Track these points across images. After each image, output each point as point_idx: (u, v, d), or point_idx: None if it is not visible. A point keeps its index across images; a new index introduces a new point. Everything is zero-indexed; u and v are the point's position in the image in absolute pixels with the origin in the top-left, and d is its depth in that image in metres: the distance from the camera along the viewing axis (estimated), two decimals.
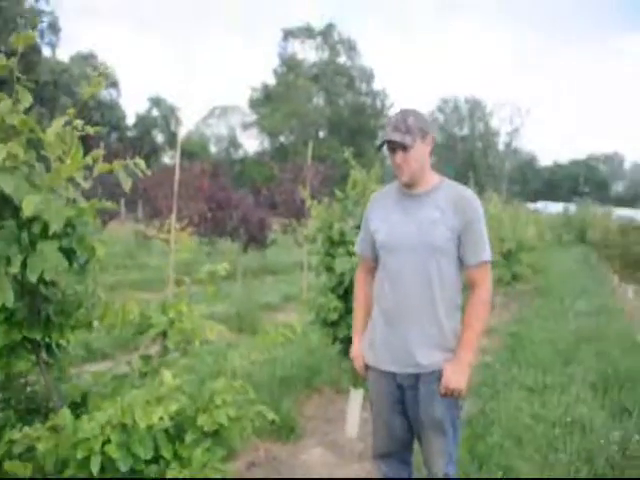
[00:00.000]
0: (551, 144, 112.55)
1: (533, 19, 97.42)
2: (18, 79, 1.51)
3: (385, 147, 2.33)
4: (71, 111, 1.57)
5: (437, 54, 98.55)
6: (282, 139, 51.15)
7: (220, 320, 7.27)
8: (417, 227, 2.31)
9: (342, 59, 54.08)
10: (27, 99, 1.54)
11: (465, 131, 61.34)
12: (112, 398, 1.45)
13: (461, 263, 2.38)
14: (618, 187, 72.87)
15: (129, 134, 42.39)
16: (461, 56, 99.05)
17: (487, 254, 2.37)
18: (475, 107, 61.20)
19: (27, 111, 1.54)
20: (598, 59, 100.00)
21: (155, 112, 48.51)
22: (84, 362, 4.99)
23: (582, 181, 64.95)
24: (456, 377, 2.28)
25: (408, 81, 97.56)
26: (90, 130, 1.62)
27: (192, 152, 36.09)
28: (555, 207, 40.12)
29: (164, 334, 1.71)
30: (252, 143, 64.37)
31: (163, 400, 1.37)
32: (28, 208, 1.35)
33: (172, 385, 1.39)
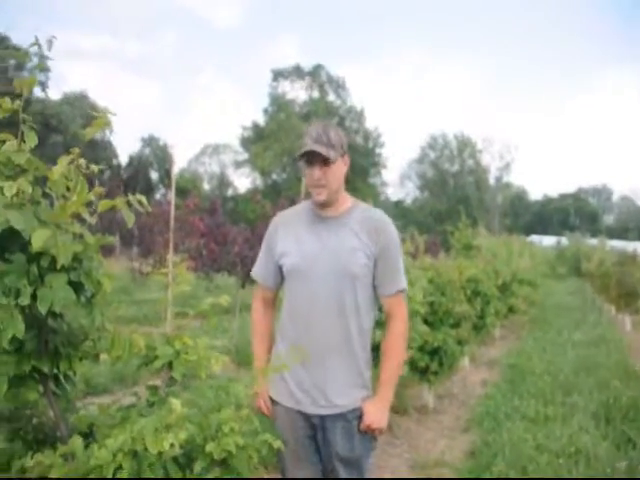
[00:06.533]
0: (541, 178, 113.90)
1: (518, 55, 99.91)
2: (24, 120, 1.56)
3: (301, 162, 2.17)
4: (76, 150, 1.61)
5: (423, 92, 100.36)
6: (274, 177, 51.62)
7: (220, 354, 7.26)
8: (333, 253, 2.15)
9: (331, 98, 55.07)
10: (32, 139, 1.57)
11: (456, 167, 62.04)
12: (121, 427, 1.46)
13: (375, 291, 2.24)
14: (608, 219, 73.64)
15: (122, 172, 42.74)
16: (447, 94, 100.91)
17: (403, 282, 2.25)
18: (464, 144, 62.08)
19: (32, 151, 1.59)
20: (584, 92, 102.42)
21: (147, 151, 49.07)
22: (85, 396, 4.99)
23: (573, 214, 65.63)
24: (378, 416, 2.18)
25: (396, 119, 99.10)
26: (94, 168, 1.66)
27: (185, 189, 36.37)
28: (548, 240, 40.42)
29: (170, 365, 1.73)
30: (244, 181, 64.93)
31: (172, 428, 1.38)
32: (37, 243, 1.38)
33: (181, 413, 1.40)
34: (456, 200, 53.31)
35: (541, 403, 5.33)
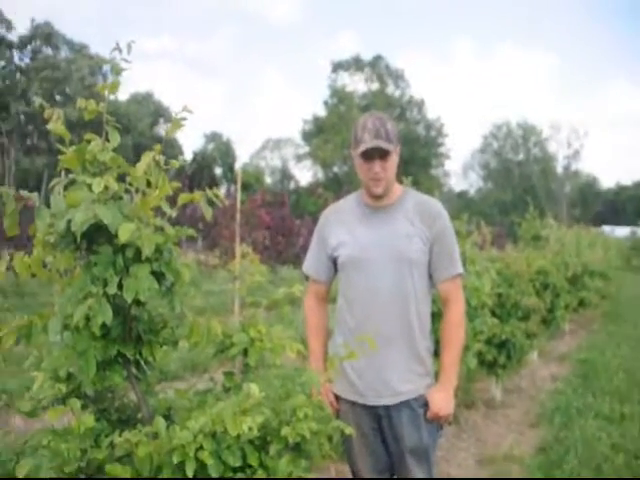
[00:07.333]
0: (613, 165, 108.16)
1: (584, 37, 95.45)
2: (107, 121, 1.64)
3: (354, 155, 2.17)
4: (158, 147, 1.69)
5: (483, 81, 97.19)
6: (335, 169, 51.71)
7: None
8: (389, 240, 2.16)
9: (390, 89, 54.56)
10: (116, 138, 1.65)
11: (520, 156, 60.07)
12: (199, 410, 1.53)
13: (430, 277, 2.24)
14: None
15: (187, 168, 44.07)
16: (508, 82, 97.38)
17: (460, 267, 2.24)
18: (529, 131, 59.99)
19: (115, 149, 1.67)
20: None
21: (210, 147, 50.29)
22: (158, 382, 5.23)
23: None
24: (445, 404, 2.17)
25: (458, 109, 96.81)
26: (175, 164, 1.74)
27: (248, 184, 36.96)
28: (621, 231, 38.57)
29: (245, 352, 1.80)
30: (305, 174, 65.44)
31: (250, 412, 1.44)
32: (124, 235, 1.45)
33: (259, 398, 1.46)
34: (522, 190, 51.72)
35: (616, 400, 5.13)
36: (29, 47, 41.47)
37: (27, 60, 41.37)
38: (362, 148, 2.10)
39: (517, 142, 60.46)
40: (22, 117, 39.70)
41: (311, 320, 2.38)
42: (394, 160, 2.17)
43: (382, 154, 2.11)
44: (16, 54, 41.16)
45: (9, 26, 40.78)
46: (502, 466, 3.87)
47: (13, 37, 41.01)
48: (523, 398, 5.63)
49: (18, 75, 40.56)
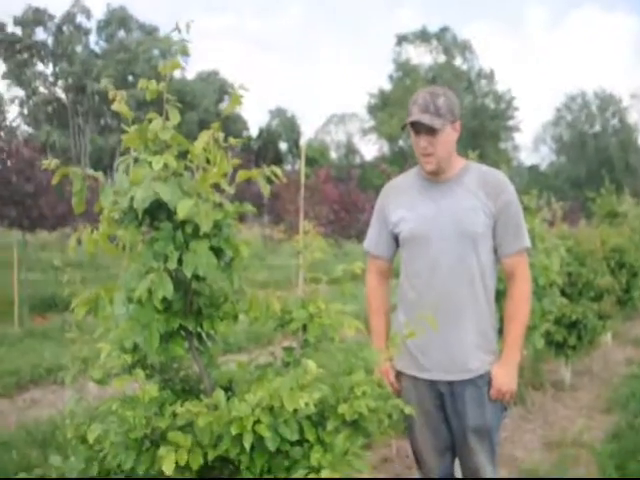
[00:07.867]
0: None
1: None
2: (168, 100, 1.66)
3: (409, 129, 2.13)
4: (216, 125, 1.69)
5: (556, 50, 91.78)
6: (401, 143, 50.91)
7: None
8: (452, 214, 2.11)
9: (458, 62, 52.86)
10: (176, 117, 1.66)
11: (597, 127, 56.90)
12: (258, 384, 1.56)
13: (495, 251, 2.18)
14: None
15: (253, 144, 44.69)
16: (584, 50, 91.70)
17: (527, 240, 2.17)
18: (607, 101, 56.63)
19: (176, 127, 1.69)
20: None
21: (275, 123, 50.65)
22: (224, 353, 5.39)
23: None
24: (508, 379, 2.12)
25: (528, 81, 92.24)
26: (234, 142, 1.74)
27: (313, 159, 37.05)
28: None
29: (304, 328, 1.81)
30: (371, 148, 64.72)
31: (307, 388, 1.45)
32: (182, 212, 1.48)
33: (316, 374, 1.47)
34: (597, 163, 49.13)
35: None
36: (105, 32, 43.30)
37: (102, 43, 43.26)
38: (406, 121, 2.09)
39: (593, 113, 57.32)
40: (97, 97, 41.45)
41: (372, 298, 2.36)
42: (447, 135, 2.10)
43: (429, 129, 2.06)
44: (92, 39, 43.26)
45: (88, 14, 42.90)
46: (570, 451, 3.74)
47: (91, 24, 43.08)
48: (594, 381, 5.42)
49: (94, 58, 42.49)
